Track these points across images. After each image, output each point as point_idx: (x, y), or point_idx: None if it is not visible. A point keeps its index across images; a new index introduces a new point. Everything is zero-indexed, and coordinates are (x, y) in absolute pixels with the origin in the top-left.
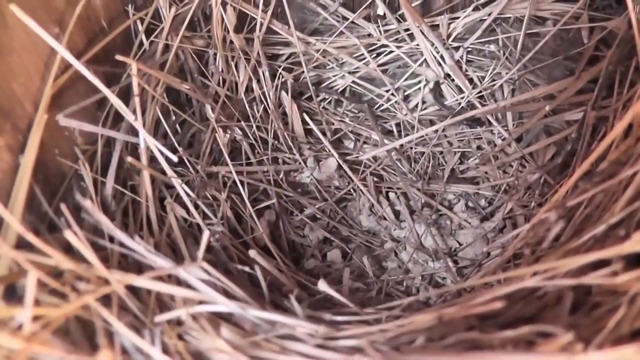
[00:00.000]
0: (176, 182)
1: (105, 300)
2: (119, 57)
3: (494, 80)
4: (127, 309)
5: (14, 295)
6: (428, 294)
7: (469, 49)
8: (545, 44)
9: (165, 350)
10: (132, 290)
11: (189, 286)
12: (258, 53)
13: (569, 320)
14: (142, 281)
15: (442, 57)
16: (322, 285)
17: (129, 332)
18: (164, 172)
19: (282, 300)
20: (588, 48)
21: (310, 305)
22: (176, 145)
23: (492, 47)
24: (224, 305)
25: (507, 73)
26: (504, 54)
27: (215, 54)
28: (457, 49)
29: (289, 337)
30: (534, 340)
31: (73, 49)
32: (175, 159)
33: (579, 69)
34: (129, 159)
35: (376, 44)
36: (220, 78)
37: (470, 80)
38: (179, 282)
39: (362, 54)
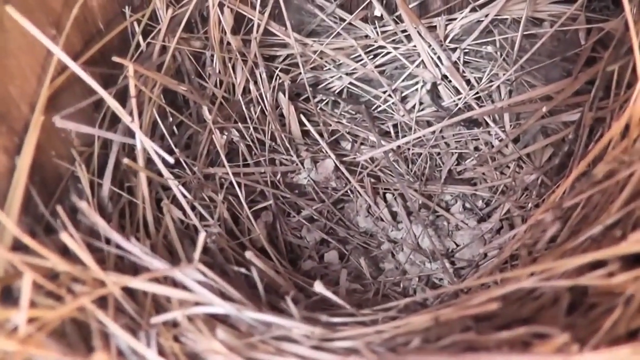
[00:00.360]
0: (173, 183)
1: (101, 302)
2: (115, 59)
3: (491, 81)
4: (123, 310)
5: (10, 297)
6: (425, 295)
7: (466, 50)
8: (543, 45)
9: (161, 352)
10: (128, 292)
11: (185, 288)
12: (255, 54)
13: (566, 321)
14: (138, 283)
15: (439, 58)
16: (318, 287)
17: (125, 333)
18: (160, 174)
19: (278, 301)
20: (585, 49)
21: (306, 306)
22: (173, 146)
23: (489, 48)
24: (220, 307)
25: (504, 74)
26: (501, 55)
27: (212, 56)
28: (454, 50)
29: (284, 338)
30: (530, 341)
31: (70, 51)
32: (172, 160)
33: (576, 70)
34: (126, 160)
35: (373, 45)
36: (218, 79)
37: (468, 82)
38: (175, 284)
39: (360, 55)
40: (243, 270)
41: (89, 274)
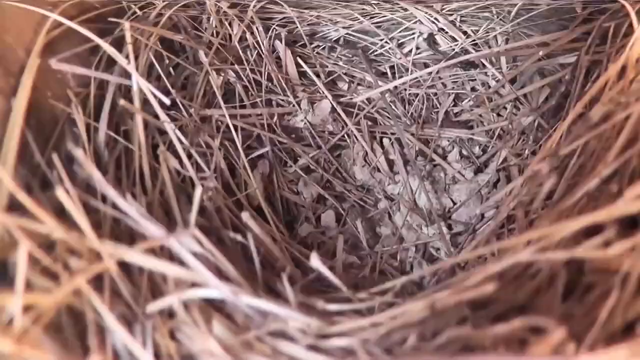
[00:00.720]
0: (169, 127)
1: (97, 282)
2: (111, 19)
3: (487, 32)
4: (119, 293)
5: (4, 274)
6: (422, 272)
7: (463, 16)
8: (539, 13)
9: (157, 354)
10: (124, 267)
11: (181, 262)
12: (252, 17)
13: (562, 309)
14: (134, 255)
15: (436, 19)
16: (315, 261)
17: (121, 328)
18: (157, 116)
19: (275, 280)
20: (581, 15)
21: (302, 288)
22: (169, 87)
23: (487, 14)
24: (216, 289)
25: (501, 28)
26: (498, 16)
27: (208, 18)
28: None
29: (280, 334)
30: (526, 338)
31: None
32: (168, 102)
33: (572, 25)
34: (122, 102)
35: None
36: (214, 31)
37: (465, 33)
38: (171, 256)
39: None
40: (239, 237)
41: (85, 242)
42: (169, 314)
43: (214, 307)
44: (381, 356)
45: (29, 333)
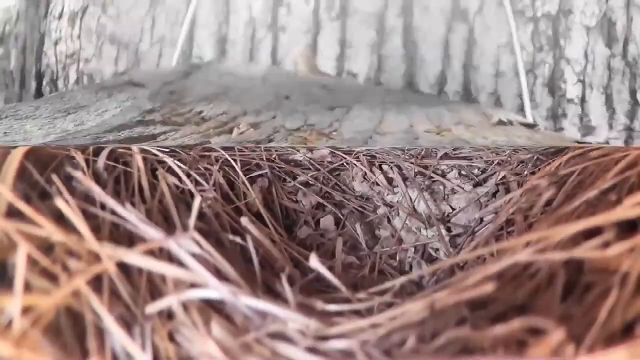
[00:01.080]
0: (169, 159)
1: (96, 283)
2: None
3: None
4: (117, 294)
5: (3, 276)
6: (421, 272)
7: None
8: None
9: (156, 356)
10: (123, 269)
11: (180, 263)
12: None
13: (561, 309)
14: (133, 257)
15: None
16: (314, 262)
17: (120, 330)
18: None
19: (274, 281)
20: None
21: (302, 288)
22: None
23: None
24: (215, 289)
25: None
26: None
27: None
28: None
29: (279, 336)
30: (525, 339)
31: None
32: (167, 150)
33: None
34: (120, 149)
35: None
36: None
37: None
38: (171, 258)
39: None
40: (238, 239)
41: (84, 245)
42: (168, 315)
43: (213, 308)
44: (380, 358)
45: (28, 336)
